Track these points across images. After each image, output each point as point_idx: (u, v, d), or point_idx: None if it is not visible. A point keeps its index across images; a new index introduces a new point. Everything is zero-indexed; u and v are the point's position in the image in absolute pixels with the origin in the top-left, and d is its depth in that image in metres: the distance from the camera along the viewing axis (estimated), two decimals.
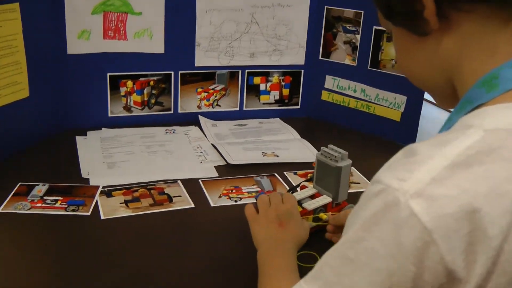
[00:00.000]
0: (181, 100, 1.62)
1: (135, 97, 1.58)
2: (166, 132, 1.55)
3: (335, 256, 0.58)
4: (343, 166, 1.06)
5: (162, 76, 1.58)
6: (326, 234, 1.04)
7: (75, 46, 1.47)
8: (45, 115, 1.46)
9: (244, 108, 1.69)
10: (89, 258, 0.98)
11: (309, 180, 1.17)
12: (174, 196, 1.21)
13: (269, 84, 1.69)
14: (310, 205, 1.06)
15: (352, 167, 1.09)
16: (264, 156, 1.43)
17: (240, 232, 1.03)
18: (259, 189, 1.26)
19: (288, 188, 1.25)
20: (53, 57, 1.44)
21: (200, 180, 1.29)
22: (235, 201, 1.21)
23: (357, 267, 0.54)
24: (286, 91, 1.72)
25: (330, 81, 1.67)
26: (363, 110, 1.62)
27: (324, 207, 1.08)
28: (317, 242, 1.04)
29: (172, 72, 1.59)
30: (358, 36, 1.58)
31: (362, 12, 1.56)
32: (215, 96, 1.66)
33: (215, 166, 1.36)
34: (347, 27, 1.60)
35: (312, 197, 1.10)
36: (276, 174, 1.35)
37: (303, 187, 1.15)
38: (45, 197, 1.17)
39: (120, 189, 1.22)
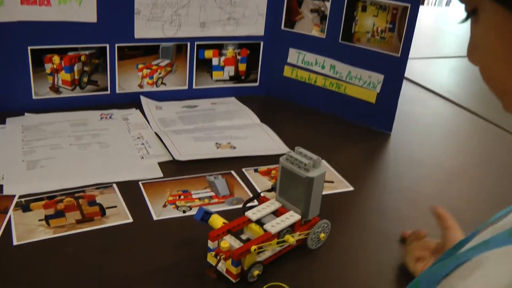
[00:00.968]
0: (119, 78, 1.39)
1: (64, 76, 1.34)
2: (101, 118, 1.32)
3: None
4: (315, 177, 0.85)
5: (95, 50, 1.35)
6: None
7: None
8: None
9: (194, 87, 1.47)
10: None
11: (271, 190, 0.96)
12: (107, 208, 0.98)
13: (222, 58, 1.48)
14: (275, 226, 0.85)
15: (322, 160, 0.88)
16: (218, 148, 1.21)
17: (191, 255, 0.84)
18: (212, 194, 1.05)
19: (251, 196, 1.04)
20: None
21: (140, 183, 1.07)
22: (184, 211, 0.99)
23: None
24: (242, 66, 1.51)
25: (294, 55, 1.47)
26: (333, 90, 1.43)
27: (291, 227, 0.87)
28: (286, 270, 0.86)
29: (107, 45, 1.35)
30: (328, 4, 1.39)
31: None
32: (159, 73, 1.42)
33: (159, 163, 1.14)
34: None
35: (275, 213, 0.90)
36: (232, 171, 1.14)
37: (263, 200, 0.94)
38: None
39: (41, 199, 0.99)
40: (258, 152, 1.22)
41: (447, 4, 4.64)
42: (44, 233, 0.90)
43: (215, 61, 1.47)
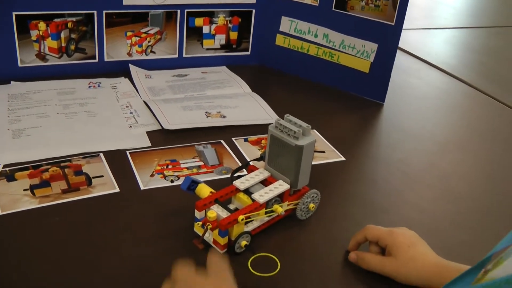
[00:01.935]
0: (107, 46, 1.35)
1: (50, 43, 1.30)
2: (89, 86, 1.29)
3: None
4: (304, 145, 0.83)
5: (82, 16, 1.31)
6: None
7: None
8: None
9: (184, 55, 1.44)
10: None
11: (260, 159, 0.94)
12: (94, 177, 0.96)
13: (213, 26, 1.44)
14: (263, 196, 0.83)
15: (313, 130, 0.85)
16: (208, 117, 1.19)
17: (178, 226, 0.83)
18: (201, 163, 1.03)
19: (240, 164, 1.03)
20: None
21: (128, 153, 1.04)
22: (171, 181, 0.97)
23: None
24: (234, 35, 1.47)
25: (286, 23, 1.43)
26: (326, 59, 1.40)
27: (279, 196, 0.86)
28: (274, 241, 0.85)
29: (95, 12, 1.31)
30: None
31: None
32: (149, 41, 1.39)
33: (147, 132, 1.12)
34: None
35: (264, 182, 0.88)
36: (222, 141, 1.12)
37: (252, 169, 0.92)
38: None
39: (26, 168, 0.97)
40: (249, 121, 1.19)
41: None
42: (29, 203, 0.88)
43: (205, 29, 1.43)
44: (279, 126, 0.85)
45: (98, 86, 1.29)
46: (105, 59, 1.36)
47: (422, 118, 1.36)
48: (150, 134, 1.12)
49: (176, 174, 0.99)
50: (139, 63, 1.39)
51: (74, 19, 1.30)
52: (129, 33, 1.36)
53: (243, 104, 1.27)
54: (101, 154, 1.03)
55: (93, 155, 1.03)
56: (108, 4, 1.31)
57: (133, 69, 1.37)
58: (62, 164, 0.99)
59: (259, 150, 1.10)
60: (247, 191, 0.85)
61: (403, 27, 1.28)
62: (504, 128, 1.37)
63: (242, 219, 0.78)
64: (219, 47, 1.47)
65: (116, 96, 1.26)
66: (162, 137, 1.11)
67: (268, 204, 0.84)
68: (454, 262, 0.75)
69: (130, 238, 0.83)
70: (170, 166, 1.02)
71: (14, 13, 1.24)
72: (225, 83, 1.38)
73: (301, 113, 0.93)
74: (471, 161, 1.19)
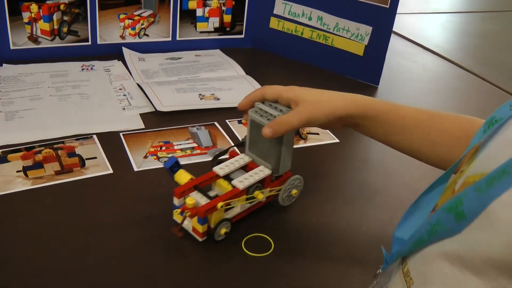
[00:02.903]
0: (100, 28, 1.34)
1: (43, 25, 1.29)
2: (82, 69, 1.28)
3: None
4: None
5: None
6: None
7: None
8: None
9: (178, 38, 1.43)
10: None
11: (241, 144, 0.91)
12: (87, 159, 0.96)
13: (207, 9, 1.43)
14: (243, 182, 0.80)
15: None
16: (201, 99, 1.18)
17: (171, 206, 0.81)
18: (194, 145, 1.03)
19: (232, 144, 1.02)
20: None
21: (121, 134, 1.04)
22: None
23: None
24: (227, 18, 1.46)
25: (280, 6, 1.42)
26: (320, 42, 1.39)
27: (261, 182, 0.83)
28: (268, 221, 0.85)
29: None
30: None
31: None
32: (142, 24, 1.38)
33: (140, 114, 1.12)
34: None
35: (245, 168, 0.86)
36: (216, 123, 1.11)
37: (233, 154, 0.89)
38: None
39: (19, 150, 0.96)
40: None
41: None
42: (22, 184, 0.88)
43: (199, 12, 1.42)
44: (258, 110, 0.82)
45: (91, 68, 1.29)
46: (98, 42, 1.35)
47: (416, 101, 1.35)
48: (143, 116, 1.11)
49: (169, 155, 0.99)
50: (132, 46, 1.38)
51: (66, 1, 1.29)
52: (122, 16, 1.35)
53: (237, 87, 1.26)
54: (95, 136, 1.03)
55: (87, 137, 1.02)
56: None
57: (126, 52, 1.36)
58: (55, 146, 0.98)
59: None
60: (228, 177, 0.83)
61: (398, 12, 1.27)
62: None
63: (222, 206, 0.76)
64: (212, 30, 1.46)
65: (110, 79, 1.25)
66: (156, 119, 1.11)
67: (249, 190, 0.81)
68: None
69: (122, 219, 0.82)
70: (163, 148, 1.01)
71: None
72: (219, 66, 1.37)
73: None
74: (465, 144, 1.19)
